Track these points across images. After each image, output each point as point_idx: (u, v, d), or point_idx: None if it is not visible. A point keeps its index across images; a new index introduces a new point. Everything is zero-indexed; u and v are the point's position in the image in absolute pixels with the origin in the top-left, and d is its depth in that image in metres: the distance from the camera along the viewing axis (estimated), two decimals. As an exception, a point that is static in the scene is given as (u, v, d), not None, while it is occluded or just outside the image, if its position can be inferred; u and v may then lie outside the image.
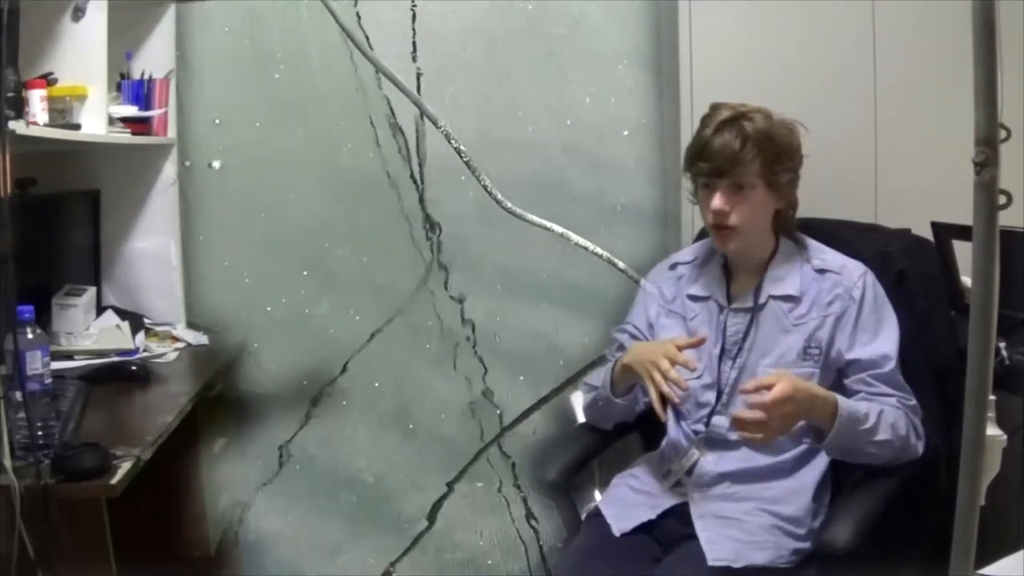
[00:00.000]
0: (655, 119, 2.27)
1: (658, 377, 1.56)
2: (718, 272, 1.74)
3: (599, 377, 1.79)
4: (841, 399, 1.53)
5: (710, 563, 1.52)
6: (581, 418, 1.93)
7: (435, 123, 2.25)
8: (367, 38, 2.25)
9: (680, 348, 1.59)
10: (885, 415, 1.54)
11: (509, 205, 2.25)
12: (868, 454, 1.54)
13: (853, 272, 1.64)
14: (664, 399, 1.58)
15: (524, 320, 2.32)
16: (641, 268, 2.11)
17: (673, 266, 1.83)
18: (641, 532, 1.64)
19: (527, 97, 2.28)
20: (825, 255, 1.68)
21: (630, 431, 1.89)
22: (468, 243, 2.31)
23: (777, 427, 1.47)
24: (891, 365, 1.59)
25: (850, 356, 1.60)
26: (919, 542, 1.58)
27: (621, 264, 2.25)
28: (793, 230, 1.71)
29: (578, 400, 2.01)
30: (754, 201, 1.61)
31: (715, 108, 1.65)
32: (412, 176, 2.30)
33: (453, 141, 2.25)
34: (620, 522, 1.66)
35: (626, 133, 2.29)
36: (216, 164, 2.29)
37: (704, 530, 1.58)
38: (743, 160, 1.58)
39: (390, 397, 2.35)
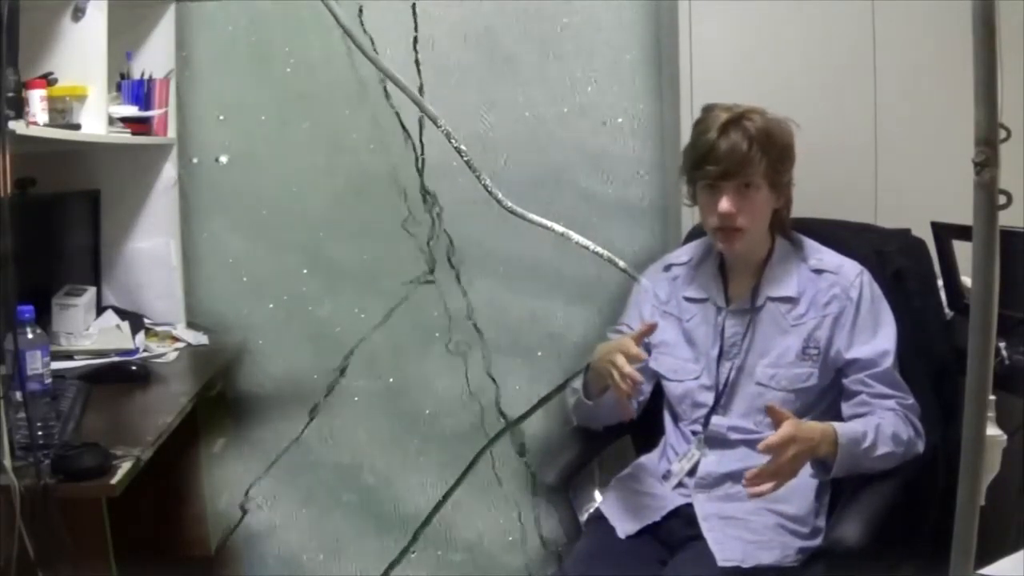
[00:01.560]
0: (655, 117, 2.27)
1: (616, 375, 1.54)
2: (714, 273, 1.73)
3: (580, 380, 1.78)
4: (838, 426, 1.51)
5: (720, 564, 1.52)
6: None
7: (435, 122, 2.25)
8: (368, 36, 2.25)
9: (636, 339, 1.57)
10: (883, 428, 1.53)
11: (509, 204, 2.25)
12: (873, 469, 1.53)
13: (850, 272, 1.64)
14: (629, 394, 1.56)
15: (528, 316, 2.33)
16: (640, 264, 2.11)
17: (667, 267, 1.82)
18: (645, 534, 1.64)
19: (527, 94, 2.28)
20: (822, 255, 1.68)
21: (626, 432, 1.89)
22: (470, 239, 2.31)
23: (788, 471, 1.44)
24: (888, 363, 1.59)
25: (849, 356, 1.60)
26: (918, 541, 1.58)
27: (622, 263, 2.25)
28: (789, 229, 1.71)
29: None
30: (759, 202, 1.61)
31: (709, 110, 1.64)
32: (414, 173, 2.29)
33: (453, 140, 2.25)
34: (624, 524, 1.65)
35: (626, 130, 2.28)
36: (223, 159, 2.29)
37: (710, 531, 1.58)
38: (752, 161, 1.57)
39: (392, 394, 2.35)
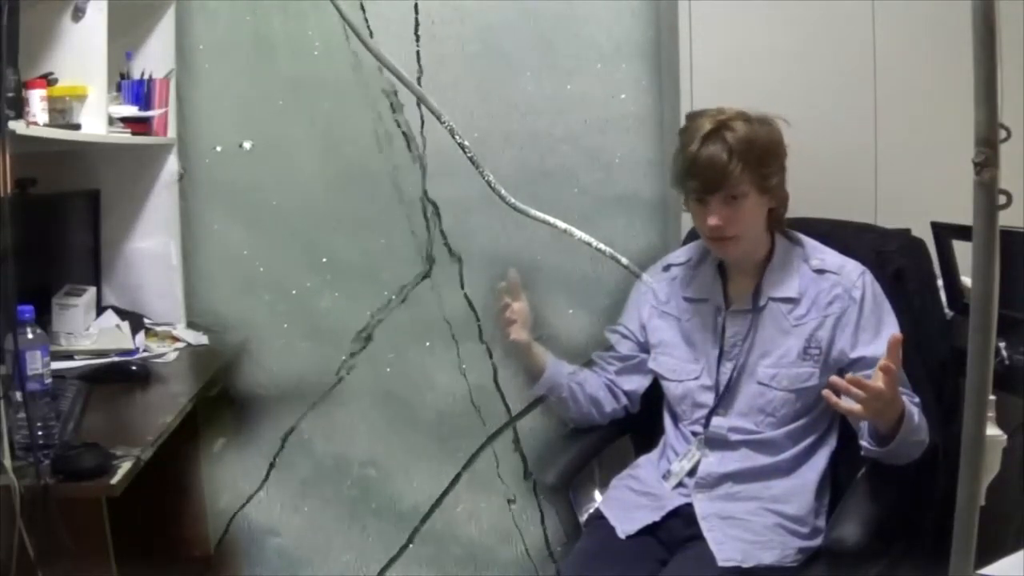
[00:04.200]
0: (655, 112, 2.27)
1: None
2: (713, 273, 1.73)
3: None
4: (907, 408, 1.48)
5: (720, 564, 1.52)
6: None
7: (439, 118, 2.25)
8: (370, 32, 2.25)
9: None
10: (918, 414, 1.52)
11: (512, 200, 2.25)
12: (906, 455, 1.51)
13: (852, 272, 1.64)
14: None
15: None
16: (641, 260, 2.11)
17: (667, 267, 1.83)
18: (645, 534, 1.64)
19: (528, 90, 2.28)
20: (824, 255, 1.68)
21: (626, 432, 1.89)
22: (471, 234, 2.31)
23: (866, 410, 1.41)
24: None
25: (854, 355, 1.60)
26: (918, 541, 1.58)
27: (624, 260, 2.25)
28: (784, 226, 1.71)
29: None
30: (747, 209, 1.60)
31: (693, 119, 1.64)
32: (415, 167, 2.29)
33: (457, 136, 2.25)
34: (624, 524, 1.65)
35: (626, 126, 2.28)
36: (247, 145, 2.29)
37: (710, 530, 1.58)
38: (732, 173, 1.56)
39: (392, 391, 2.35)
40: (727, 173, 1.56)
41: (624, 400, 1.81)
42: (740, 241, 1.63)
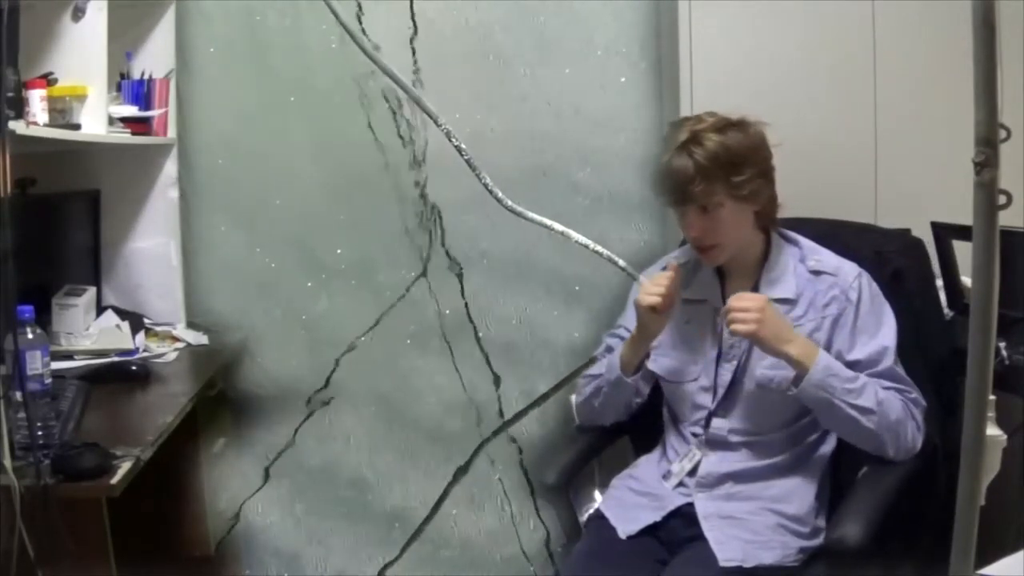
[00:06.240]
0: (655, 113, 2.27)
1: (650, 296, 1.62)
2: (712, 274, 1.73)
3: (599, 367, 1.78)
4: (825, 354, 1.55)
5: (721, 564, 1.52)
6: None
7: (436, 121, 2.25)
8: (366, 35, 2.25)
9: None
10: (875, 389, 1.53)
11: (510, 203, 2.24)
12: (851, 419, 1.52)
13: (849, 274, 1.63)
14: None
15: (525, 314, 2.33)
16: (640, 262, 2.10)
17: (666, 268, 1.82)
18: (645, 534, 1.64)
19: (526, 90, 2.29)
20: (820, 256, 1.67)
21: (626, 432, 1.89)
22: (468, 236, 2.31)
23: (764, 322, 1.52)
24: (889, 360, 1.57)
25: (850, 358, 1.59)
26: (918, 540, 1.58)
27: (622, 263, 2.24)
28: (778, 225, 1.70)
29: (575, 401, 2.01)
30: (724, 218, 1.59)
31: (673, 128, 1.63)
32: (414, 169, 2.29)
33: (454, 139, 2.25)
34: (625, 524, 1.65)
35: (625, 127, 2.29)
36: (246, 147, 2.29)
37: (711, 530, 1.58)
38: (697, 187, 1.55)
39: (390, 393, 2.35)
40: (692, 187, 1.56)
41: (639, 400, 1.80)
42: (723, 248, 1.63)
